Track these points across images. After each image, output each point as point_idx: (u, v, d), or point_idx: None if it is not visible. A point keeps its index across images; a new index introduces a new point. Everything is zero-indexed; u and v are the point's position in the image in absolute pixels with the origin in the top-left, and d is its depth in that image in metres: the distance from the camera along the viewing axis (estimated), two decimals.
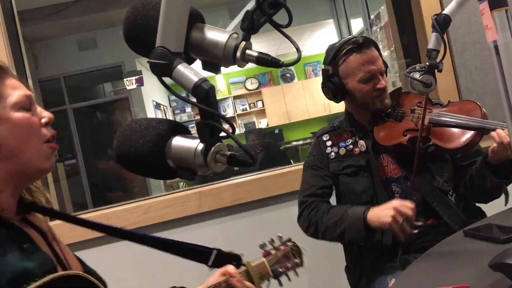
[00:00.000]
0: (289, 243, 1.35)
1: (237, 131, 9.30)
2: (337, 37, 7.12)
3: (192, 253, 1.10)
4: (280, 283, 1.29)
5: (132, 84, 5.99)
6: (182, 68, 0.74)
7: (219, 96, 9.38)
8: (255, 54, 0.76)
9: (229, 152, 0.75)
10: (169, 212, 2.13)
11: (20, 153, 0.94)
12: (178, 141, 0.77)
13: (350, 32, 6.44)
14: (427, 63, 1.29)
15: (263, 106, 9.39)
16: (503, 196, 1.60)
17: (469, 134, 1.46)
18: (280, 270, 1.28)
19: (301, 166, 1.83)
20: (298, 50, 0.79)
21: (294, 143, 8.51)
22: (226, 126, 0.76)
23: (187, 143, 0.76)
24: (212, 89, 0.73)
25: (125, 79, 6.06)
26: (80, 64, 6.50)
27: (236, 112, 9.38)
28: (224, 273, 1.13)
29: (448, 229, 1.54)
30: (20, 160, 0.94)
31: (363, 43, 1.57)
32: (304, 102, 9.23)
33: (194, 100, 0.73)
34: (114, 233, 1.09)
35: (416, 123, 1.55)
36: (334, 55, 1.61)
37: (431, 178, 1.59)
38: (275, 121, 9.30)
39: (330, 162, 1.69)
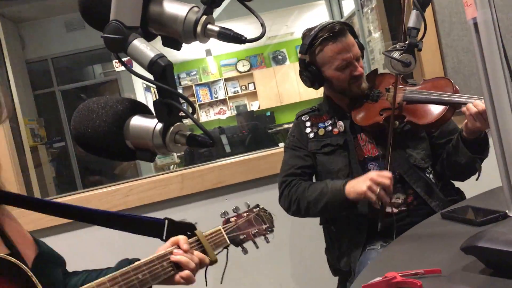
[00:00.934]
0: (255, 209, 1.32)
1: (228, 114, 9.24)
2: (329, 19, 7.04)
3: (145, 227, 1.08)
4: (245, 251, 1.26)
5: (121, 66, 5.91)
6: (137, 43, 0.70)
7: (210, 79, 9.30)
8: (217, 29, 0.72)
9: (189, 133, 0.72)
10: (151, 194, 2.11)
11: None
12: (136, 121, 0.74)
13: (341, 13, 6.36)
14: (407, 42, 1.26)
15: (255, 88, 9.33)
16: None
17: (441, 109, 1.48)
18: (242, 237, 1.24)
19: None
20: (262, 25, 0.75)
21: (286, 125, 8.47)
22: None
23: (145, 123, 0.73)
24: (169, 66, 0.70)
25: (114, 61, 5.97)
26: (68, 45, 6.39)
27: (228, 94, 9.31)
28: (175, 243, 1.10)
29: (427, 208, 1.57)
30: None
31: (338, 32, 1.58)
32: (296, 84, 9.17)
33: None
34: (63, 213, 1.05)
35: (391, 102, 1.55)
36: (310, 44, 1.62)
37: (407, 156, 1.61)
38: (267, 103, 9.25)
39: (309, 142, 1.70)
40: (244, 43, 0.74)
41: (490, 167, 1.51)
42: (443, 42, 2.29)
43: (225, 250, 1.22)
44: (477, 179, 1.55)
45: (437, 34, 2.29)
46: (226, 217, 1.27)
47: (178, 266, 1.07)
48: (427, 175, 1.62)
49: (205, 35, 0.73)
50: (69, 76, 6.73)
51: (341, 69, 1.60)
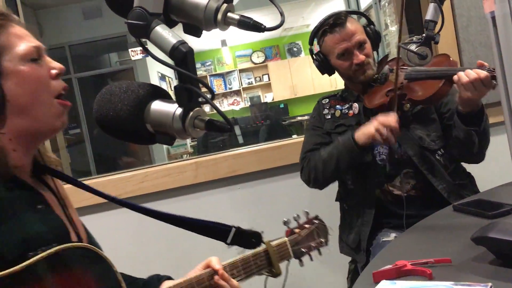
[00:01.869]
0: (316, 221, 1.30)
1: (242, 105, 9.26)
2: None
3: (211, 231, 1.04)
4: (301, 263, 1.24)
5: (137, 54, 5.94)
6: (160, 29, 0.72)
7: (224, 69, 9.32)
8: (237, 17, 0.74)
9: (207, 118, 0.74)
10: (166, 181, 2.14)
11: (30, 109, 0.89)
12: (157, 105, 0.76)
13: (358, 6, 6.32)
14: (424, 35, 1.26)
15: (269, 80, 9.33)
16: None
17: (437, 83, 1.51)
18: (303, 250, 1.23)
19: (299, 139, 1.93)
20: (281, 14, 0.76)
21: (299, 118, 8.46)
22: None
23: (165, 108, 0.75)
24: (190, 52, 0.72)
25: (130, 50, 6.02)
26: (85, 33, 6.45)
27: (242, 85, 9.33)
28: (207, 266, 1.09)
29: (437, 194, 1.61)
30: (30, 117, 0.90)
31: (335, 23, 1.68)
32: (310, 77, 9.14)
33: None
34: (131, 208, 1.06)
35: (394, 82, 1.59)
36: (314, 35, 1.76)
37: (418, 138, 1.65)
38: (281, 95, 9.25)
39: (325, 122, 1.80)
40: (263, 31, 0.75)
41: (504, 161, 1.51)
42: (460, 36, 2.27)
43: (286, 262, 1.20)
44: (475, 152, 1.57)
45: (455, 28, 2.28)
46: (289, 226, 1.24)
47: None
48: (437, 157, 1.65)
49: (225, 23, 0.75)
50: (85, 64, 6.80)
51: (342, 58, 1.69)
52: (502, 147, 1.54)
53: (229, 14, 0.74)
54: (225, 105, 9.28)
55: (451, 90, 1.53)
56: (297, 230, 1.25)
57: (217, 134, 1.02)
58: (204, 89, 0.75)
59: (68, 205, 1.03)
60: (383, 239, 1.59)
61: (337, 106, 1.80)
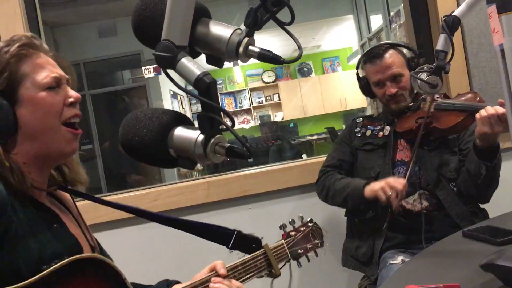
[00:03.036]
0: (310, 224, 1.37)
1: (252, 123, 9.33)
2: (356, 33, 7.07)
3: (214, 234, 1.10)
4: (299, 264, 1.30)
5: (150, 72, 6.02)
6: (185, 61, 0.77)
7: (235, 88, 9.42)
8: (257, 50, 0.78)
9: (228, 144, 0.78)
10: (178, 200, 2.17)
11: (39, 135, 0.94)
12: (180, 132, 0.80)
13: (369, 29, 6.41)
14: (435, 64, 1.30)
15: (279, 99, 9.40)
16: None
17: (460, 116, 1.62)
18: (299, 251, 1.29)
19: (310, 161, 2.10)
20: (299, 47, 0.81)
21: (309, 137, 8.51)
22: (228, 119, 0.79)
23: (188, 134, 0.79)
24: (213, 83, 0.76)
25: (143, 68, 6.10)
26: (100, 51, 6.58)
27: (252, 104, 9.41)
28: (212, 269, 1.13)
29: (448, 219, 1.68)
30: (40, 142, 0.95)
31: (374, 55, 1.81)
32: (320, 97, 9.21)
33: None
34: (141, 214, 1.12)
35: (425, 111, 1.71)
36: (359, 62, 1.92)
37: (437, 166, 1.74)
38: (291, 114, 9.31)
39: (355, 139, 1.92)
40: (282, 64, 0.80)
41: None
42: (470, 63, 2.31)
43: (287, 264, 1.26)
44: (480, 183, 1.62)
45: (465, 54, 2.32)
46: (286, 231, 1.31)
47: None
48: (452, 186, 1.73)
49: (246, 55, 0.79)
50: (99, 81, 6.91)
51: (377, 87, 1.83)
52: (511, 173, 1.58)
53: (250, 47, 0.79)
54: (235, 124, 9.36)
55: (473, 126, 1.61)
56: (293, 233, 1.32)
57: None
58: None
59: (80, 219, 1.07)
60: (391, 262, 1.62)
61: (369, 126, 1.92)
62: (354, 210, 1.85)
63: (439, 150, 1.76)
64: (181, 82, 0.81)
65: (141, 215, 1.12)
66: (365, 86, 1.89)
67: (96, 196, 2.29)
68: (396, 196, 1.57)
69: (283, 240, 1.28)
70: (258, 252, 1.18)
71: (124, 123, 0.84)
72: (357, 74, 1.94)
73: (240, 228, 2.31)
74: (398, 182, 1.58)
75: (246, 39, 0.78)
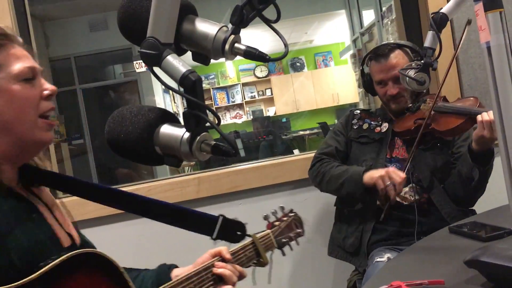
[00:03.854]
0: (291, 214, 1.40)
1: (245, 118, 9.33)
2: (348, 28, 7.08)
3: (197, 222, 1.03)
4: (283, 253, 1.33)
5: (142, 67, 6.02)
6: (171, 58, 0.76)
7: (228, 83, 9.40)
8: (243, 47, 0.78)
9: (214, 142, 0.78)
10: (168, 196, 2.17)
11: (13, 126, 0.93)
12: (166, 129, 0.80)
13: (361, 24, 6.42)
14: (422, 61, 1.31)
15: (272, 94, 9.41)
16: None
17: (459, 119, 1.63)
18: (284, 240, 1.31)
19: (300, 156, 2.09)
20: (286, 45, 0.81)
21: (301, 132, 8.53)
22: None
23: (174, 132, 0.79)
24: (199, 81, 0.76)
25: (134, 62, 6.09)
26: (91, 45, 6.54)
27: (245, 99, 9.40)
28: (215, 254, 1.13)
29: (437, 214, 1.72)
30: (14, 133, 0.93)
31: (379, 54, 1.81)
32: (312, 92, 9.22)
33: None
34: (112, 200, 1.05)
35: (425, 112, 1.73)
36: (364, 58, 1.92)
37: (431, 166, 1.76)
38: (283, 109, 9.32)
39: (351, 130, 1.93)
40: (267, 62, 0.80)
41: (501, 184, 1.55)
42: (460, 59, 2.32)
43: (271, 252, 1.28)
44: (472, 187, 1.66)
45: (455, 50, 2.32)
46: (269, 221, 1.33)
47: (220, 279, 1.08)
48: (442, 187, 1.76)
49: (232, 52, 0.79)
50: (90, 75, 6.87)
51: (379, 86, 1.84)
52: (499, 169, 1.59)
53: (236, 45, 0.78)
54: (227, 118, 9.35)
55: (471, 132, 1.64)
56: (276, 223, 1.34)
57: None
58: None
59: (56, 209, 1.05)
60: (377, 259, 1.64)
61: (366, 119, 1.92)
62: (347, 198, 1.84)
63: (434, 151, 1.79)
64: (167, 79, 0.80)
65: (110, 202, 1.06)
66: (368, 83, 1.90)
67: None
68: (393, 187, 1.58)
69: (269, 230, 1.30)
70: (247, 242, 1.19)
71: (110, 120, 0.84)
72: (362, 70, 1.95)
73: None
74: (397, 174, 1.60)
75: (232, 36, 0.78)
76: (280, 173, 2.25)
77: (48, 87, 0.99)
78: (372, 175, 1.65)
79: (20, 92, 0.93)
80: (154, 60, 0.76)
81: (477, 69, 2.33)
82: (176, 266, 1.17)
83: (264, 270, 1.27)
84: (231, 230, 1.07)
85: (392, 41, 1.94)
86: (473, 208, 1.80)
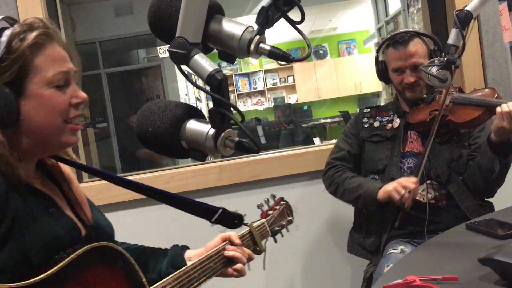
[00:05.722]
0: (282, 202, 1.44)
1: (266, 105, 9.33)
2: (373, 16, 6.98)
3: (199, 209, 1.11)
4: (275, 240, 1.37)
5: (165, 52, 6.06)
6: (198, 58, 0.80)
7: (250, 69, 9.40)
8: (268, 48, 0.81)
9: (237, 139, 0.81)
10: (190, 183, 2.22)
11: (40, 131, 0.94)
12: (192, 125, 0.84)
13: (386, 12, 6.33)
14: (445, 58, 1.31)
15: (294, 81, 9.37)
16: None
17: (477, 111, 1.61)
18: (277, 228, 1.37)
19: (321, 147, 2.10)
20: (309, 46, 0.83)
21: (322, 120, 8.50)
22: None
23: (200, 127, 0.83)
24: (224, 80, 0.79)
25: (158, 47, 6.14)
26: (116, 30, 6.60)
27: (266, 86, 9.39)
28: (225, 239, 1.19)
29: (455, 211, 1.71)
30: (40, 136, 0.95)
31: (398, 41, 1.79)
32: (335, 80, 9.16)
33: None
34: (119, 183, 1.11)
35: (440, 104, 1.71)
36: (381, 44, 1.89)
37: (448, 159, 1.75)
38: (305, 97, 9.28)
39: (362, 129, 1.92)
40: (291, 62, 0.82)
41: None
42: (485, 53, 2.29)
43: (265, 240, 1.33)
44: (491, 181, 1.65)
45: (480, 44, 2.30)
46: (263, 210, 1.37)
47: (230, 261, 1.15)
48: (460, 180, 1.75)
49: (257, 52, 0.82)
50: (114, 60, 6.95)
51: (396, 73, 1.81)
52: None
53: (261, 45, 0.81)
54: (249, 105, 9.37)
55: (486, 123, 1.64)
56: (270, 212, 1.39)
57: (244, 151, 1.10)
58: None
59: (70, 189, 1.08)
60: (390, 251, 1.67)
61: (377, 117, 1.91)
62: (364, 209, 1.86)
63: (450, 143, 1.78)
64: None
65: (132, 189, 1.11)
66: (382, 70, 1.88)
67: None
68: (409, 195, 1.59)
69: (264, 219, 1.34)
70: (244, 231, 1.24)
71: (139, 114, 0.88)
72: (376, 58, 1.92)
73: (249, 212, 2.37)
74: (410, 181, 1.61)
75: (258, 37, 0.81)
76: (300, 163, 2.28)
77: (79, 95, 0.99)
78: (386, 189, 1.66)
79: (50, 98, 0.94)
80: (182, 59, 0.80)
81: (503, 64, 2.30)
82: (188, 248, 1.22)
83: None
84: (229, 218, 1.13)
85: (412, 29, 1.91)
86: (491, 200, 1.79)
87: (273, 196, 1.46)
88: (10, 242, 0.86)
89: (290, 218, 1.44)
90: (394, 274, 1.05)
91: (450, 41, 1.32)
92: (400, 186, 1.61)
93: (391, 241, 1.73)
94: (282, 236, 1.40)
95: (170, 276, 1.00)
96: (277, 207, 1.42)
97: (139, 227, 2.19)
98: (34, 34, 0.93)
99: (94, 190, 1.99)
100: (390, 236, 1.75)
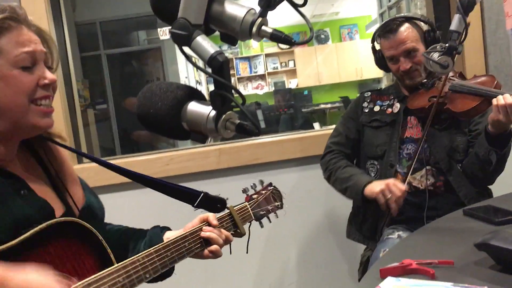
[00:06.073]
0: (270, 188, 1.45)
1: (266, 89, 9.31)
2: (376, 1, 6.92)
3: (181, 194, 1.17)
4: (261, 225, 1.39)
5: (166, 34, 6.01)
6: (200, 39, 0.80)
7: (251, 53, 9.35)
8: (270, 30, 0.81)
9: (238, 121, 0.81)
10: (189, 165, 2.23)
11: (7, 112, 0.95)
12: (193, 106, 0.84)
13: None
14: (447, 44, 1.31)
15: (294, 66, 9.34)
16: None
17: (475, 100, 1.60)
18: (262, 213, 1.37)
19: (320, 132, 2.10)
20: (311, 29, 0.83)
21: (322, 106, 8.49)
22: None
23: (201, 109, 0.83)
24: (226, 62, 0.79)
25: (159, 29, 6.09)
26: (116, 10, 6.55)
27: (267, 70, 9.36)
28: (204, 220, 1.20)
29: (453, 197, 1.71)
30: (8, 117, 0.96)
31: (388, 30, 1.78)
32: (336, 65, 9.12)
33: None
34: (120, 172, 1.16)
35: (440, 90, 1.70)
36: (374, 36, 1.88)
37: (446, 146, 1.75)
38: (305, 82, 9.26)
39: (362, 114, 1.91)
40: (293, 45, 0.82)
41: None
42: (488, 40, 2.29)
43: (248, 223, 1.34)
44: (490, 170, 1.64)
45: (483, 31, 2.29)
46: (248, 194, 1.38)
47: (207, 242, 1.17)
48: (459, 167, 1.75)
49: (259, 35, 0.82)
50: (115, 41, 6.90)
51: (391, 62, 1.81)
52: None
53: (263, 28, 0.81)
54: (249, 89, 9.34)
55: (487, 110, 1.61)
56: (255, 196, 1.39)
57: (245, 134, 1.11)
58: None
59: (66, 176, 1.10)
60: (387, 236, 1.68)
61: (378, 101, 1.90)
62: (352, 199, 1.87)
63: (450, 130, 1.77)
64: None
65: (120, 173, 1.16)
66: (380, 60, 1.88)
67: (109, 158, 2.37)
68: (395, 201, 1.58)
69: (246, 202, 1.35)
70: (224, 213, 1.25)
71: (140, 95, 0.88)
72: (373, 47, 1.91)
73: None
74: (398, 187, 1.59)
75: (260, 19, 0.81)
76: (300, 148, 2.28)
77: (47, 76, 0.99)
78: (373, 189, 1.64)
79: (16, 78, 0.94)
80: (184, 40, 0.80)
81: (505, 51, 2.29)
82: (169, 229, 1.24)
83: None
84: (212, 202, 1.19)
85: (402, 14, 1.88)
86: (490, 187, 1.80)
87: (261, 182, 1.46)
88: None
89: (277, 204, 1.44)
90: (390, 258, 1.06)
91: (453, 27, 1.31)
92: (387, 190, 1.59)
93: (388, 227, 1.74)
94: (270, 221, 1.40)
95: (141, 253, 1.01)
96: (263, 192, 1.42)
97: (138, 208, 2.20)
98: None
99: (93, 171, 1.99)
100: (387, 222, 1.75)
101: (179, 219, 1.28)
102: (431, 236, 1.23)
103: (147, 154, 2.32)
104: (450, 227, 1.28)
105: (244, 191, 1.40)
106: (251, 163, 2.26)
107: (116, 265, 0.96)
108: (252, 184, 1.42)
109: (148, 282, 1.07)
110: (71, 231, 0.97)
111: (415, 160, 1.68)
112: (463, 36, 1.31)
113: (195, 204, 1.18)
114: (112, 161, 2.27)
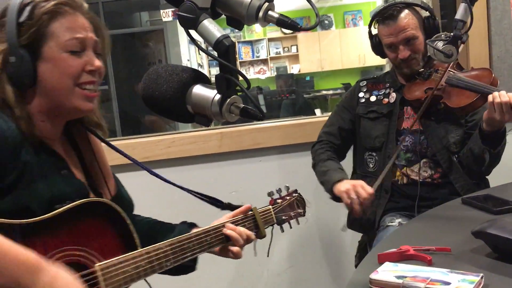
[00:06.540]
0: (295, 194, 1.45)
1: (268, 74, 9.27)
2: None
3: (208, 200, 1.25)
4: (282, 229, 1.39)
5: (168, 16, 5.98)
6: (207, 23, 0.80)
7: (254, 37, 9.30)
8: (276, 15, 0.81)
9: (242, 105, 0.82)
10: (191, 148, 2.24)
11: (53, 93, 0.99)
12: (198, 90, 0.85)
13: None
14: (452, 33, 1.31)
15: (297, 51, 9.27)
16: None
17: (472, 96, 1.59)
18: (284, 218, 1.37)
19: (322, 118, 2.05)
20: (317, 15, 0.83)
21: (324, 92, 8.46)
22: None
23: (206, 92, 0.84)
24: (232, 46, 0.80)
25: (161, 11, 6.05)
26: None
27: (270, 55, 9.30)
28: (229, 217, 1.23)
29: (450, 187, 1.71)
30: (53, 99, 1.00)
31: (387, 16, 1.73)
32: (339, 51, 9.05)
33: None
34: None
35: (436, 82, 1.68)
36: (371, 21, 1.82)
37: (442, 137, 1.74)
38: (308, 67, 9.21)
39: (358, 105, 1.88)
40: (299, 31, 0.83)
41: None
42: (492, 30, 2.28)
43: (270, 227, 1.35)
44: (483, 169, 1.66)
45: (488, 20, 2.28)
46: (273, 197, 1.40)
47: (228, 239, 1.18)
48: (455, 159, 1.74)
49: (266, 20, 0.82)
50: (117, 21, 6.86)
51: (389, 50, 1.77)
52: None
53: (270, 13, 0.82)
54: (251, 73, 9.30)
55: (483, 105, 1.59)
56: (279, 200, 1.40)
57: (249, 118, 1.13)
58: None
59: (101, 166, 1.14)
60: (388, 224, 1.68)
61: (374, 91, 1.87)
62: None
63: (446, 122, 1.75)
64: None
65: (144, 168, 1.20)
66: (377, 45, 1.83)
67: (112, 139, 2.38)
68: (359, 202, 1.55)
69: (270, 206, 1.36)
70: (247, 214, 1.27)
71: (145, 77, 0.89)
72: (369, 32, 1.85)
73: (249, 179, 2.39)
74: (365, 189, 1.56)
75: (266, 4, 0.81)
76: (301, 133, 2.29)
77: (94, 63, 1.02)
78: (340, 188, 1.62)
79: (64, 61, 0.98)
80: (191, 23, 0.80)
81: (509, 41, 2.29)
82: (196, 225, 1.25)
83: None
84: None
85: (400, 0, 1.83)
86: (487, 177, 1.80)
87: (287, 188, 1.46)
88: (17, 190, 0.91)
89: (300, 211, 1.44)
90: (388, 244, 1.08)
91: (458, 16, 1.31)
92: (353, 191, 1.57)
93: (387, 214, 1.75)
94: (291, 227, 1.42)
95: (164, 241, 1.04)
96: (288, 197, 1.43)
97: (151, 189, 2.20)
98: (52, 3, 0.98)
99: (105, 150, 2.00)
100: (386, 210, 1.76)
101: (185, 200, 1.30)
102: (429, 224, 1.25)
103: (149, 136, 2.33)
104: (448, 215, 1.30)
105: (269, 194, 1.41)
106: (252, 148, 2.27)
107: (139, 249, 0.99)
108: (277, 189, 1.42)
109: (171, 274, 1.12)
110: (101, 213, 0.99)
111: (394, 158, 1.67)
112: (469, 26, 1.31)
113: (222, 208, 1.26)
114: (113, 142, 2.28)
